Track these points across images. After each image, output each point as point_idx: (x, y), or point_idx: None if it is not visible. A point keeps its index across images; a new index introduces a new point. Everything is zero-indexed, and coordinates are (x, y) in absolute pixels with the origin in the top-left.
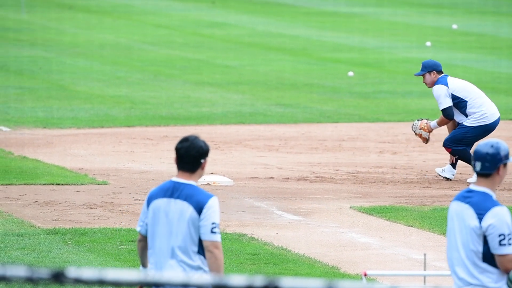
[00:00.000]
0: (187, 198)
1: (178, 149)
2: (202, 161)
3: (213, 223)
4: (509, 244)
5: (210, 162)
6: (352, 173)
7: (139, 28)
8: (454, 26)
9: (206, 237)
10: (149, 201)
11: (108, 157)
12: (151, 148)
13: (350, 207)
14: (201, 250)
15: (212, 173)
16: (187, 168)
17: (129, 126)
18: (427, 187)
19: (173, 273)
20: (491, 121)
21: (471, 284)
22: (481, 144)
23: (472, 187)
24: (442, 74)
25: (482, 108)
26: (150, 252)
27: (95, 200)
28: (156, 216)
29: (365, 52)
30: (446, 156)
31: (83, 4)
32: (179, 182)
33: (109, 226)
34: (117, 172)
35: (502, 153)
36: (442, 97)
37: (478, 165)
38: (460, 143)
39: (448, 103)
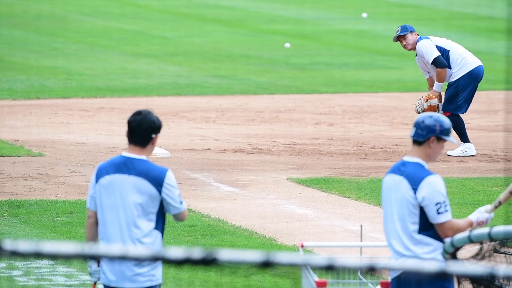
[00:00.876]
0: (141, 174)
1: (130, 122)
2: (153, 136)
3: (178, 195)
4: (446, 211)
5: None
6: (289, 144)
7: None
8: None
9: (176, 210)
10: (98, 176)
11: (44, 129)
12: (87, 120)
13: (287, 179)
14: (159, 226)
15: None
16: (138, 142)
17: (66, 97)
18: (364, 158)
19: (110, 245)
20: (474, 66)
21: (405, 255)
22: (425, 113)
23: (405, 158)
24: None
25: (463, 55)
26: (100, 228)
27: (31, 172)
28: (107, 191)
29: (302, 24)
30: (381, 127)
31: None
32: (130, 157)
33: (45, 198)
34: (53, 144)
35: (438, 127)
36: (429, 48)
37: (413, 130)
38: (456, 101)
39: (437, 52)
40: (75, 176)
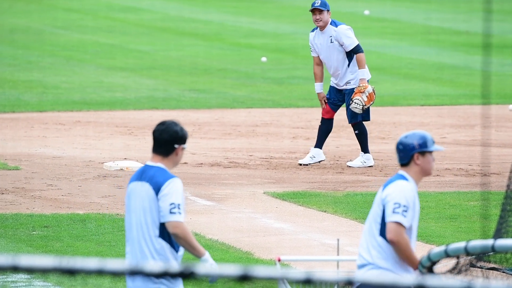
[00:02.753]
0: (149, 179)
1: (153, 132)
2: (176, 146)
3: (172, 204)
4: (404, 216)
5: (123, 147)
6: (266, 158)
7: (50, 12)
8: (366, 12)
9: (164, 218)
10: (128, 187)
11: (20, 142)
12: (63, 133)
13: (264, 193)
14: (163, 234)
15: (125, 158)
16: (160, 152)
17: (41, 111)
18: (340, 172)
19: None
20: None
21: (367, 261)
22: (402, 135)
23: (400, 172)
24: None
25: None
26: (127, 241)
27: (6, 186)
28: (128, 200)
29: (280, 38)
30: (355, 141)
31: None
32: (148, 165)
33: (21, 212)
34: (29, 157)
35: (416, 142)
36: (351, 34)
37: (397, 156)
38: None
39: (356, 39)
40: (51, 190)
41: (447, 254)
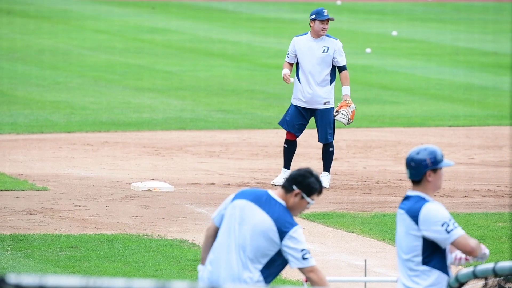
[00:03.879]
0: (273, 215)
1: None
2: (295, 188)
3: (302, 250)
4: (455, 227)
5: (150, 167)
6: None
7: (78, 33)
8: (394, 33)
9: (300, 264)
10: (236, 197)
11: (48, 163)
12: (91, 154)
13: None
14: (265, 269)
15: (152, 179)
16: (285, 188)
17: (69, 131)
18: (368, 193)
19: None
20: None
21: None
22: (411, 151)
23: (408, 192)
24: None
25: None
26: (213, 245)
27: (34, 206)
28: (233, 213)
29: None
30: (386, 162)
31: (21, 9)
32: (272, 196)
33: (48, 232)
34: (57, 178)
35: (429, 160)
36: (343, 53)
37: (407, 172)
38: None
39: None
40: (79, 210)
41: (475, 275)
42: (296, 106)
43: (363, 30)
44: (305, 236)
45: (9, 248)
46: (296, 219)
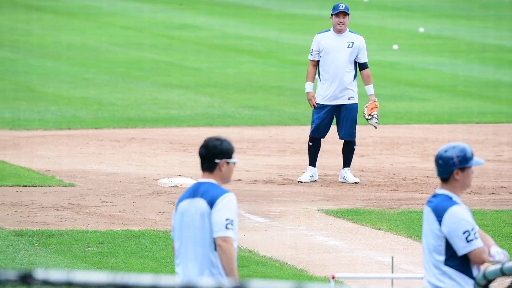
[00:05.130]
0: (202, 195)
1: (198, 150)
2: (217, 161)
3: (226, 219)
4: (476, 238)
5: (178, 164)
6: (320, 175)
7: (107, 29)
8: (421, 30)
9: (216, 233)
10: (177, 205)
11: (76, 159)
12: (118, 150)
13: (318, 210)
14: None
15: (179, 175)
16: (204, 167)
17: (97, 127)
18: (395, 190)
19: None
20: None
21: (437, 287)
22: (441, 148)
23: (437, 190)
24: None
25: None
26: (176, 259)
27: (62, 202)
28: (181, 218)
29: None
30: (413, 158)
31: (50, 6)
32: (200, 181)
33: (76, 228)
34: (85, 174)
35: (456, 159)
36: (365, 49)
37: (436, 169)
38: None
39: None
40: (106, 206)
41: (503, 273)
42: (319, 105)
43: (391, 26)
44: (330, 232)
45: (37, 244)
46: (323, 215)
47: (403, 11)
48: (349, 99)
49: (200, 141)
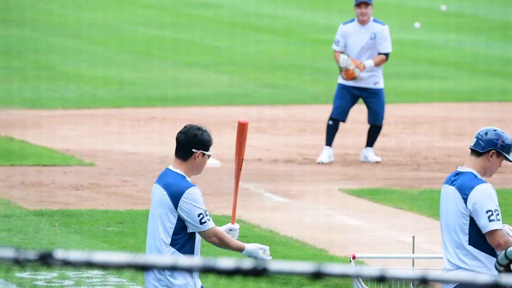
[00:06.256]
0: (165, 186)
1: (176, 135)
2: (195, 151)
3: (200, 214)
4: (498, 220)
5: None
6: (341, 155)
7: (128, 8)
8: (443, 7)
9: (195, 229)
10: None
11: (96, 138)
12: (139, 130)
13: (339, 189)
14: (176, 243)
15: None
16: (179, 155)
17: (117, 107)
18: (416, 169)
19: (160, 256)
20: None
21: (457, 267)
22: (488, 127)
23: (459, 169)
24: None
25: None
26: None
27: (82, 182)
28: (151, 200)
29: None
30: (434, 137)
31: None
32: (169, 168)
33: (96, 208)
34: (105, 154)
35: (500, 141)
36: (389, 38)
37: (474, 141)
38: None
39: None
40: (126, 186)
41: None
42: (343, 86)
43: (412, 4)
44: (351, 212)
45: (57, 224)
46: (344, 195)
47: None
48: (374, 84)
49: (220, 120)
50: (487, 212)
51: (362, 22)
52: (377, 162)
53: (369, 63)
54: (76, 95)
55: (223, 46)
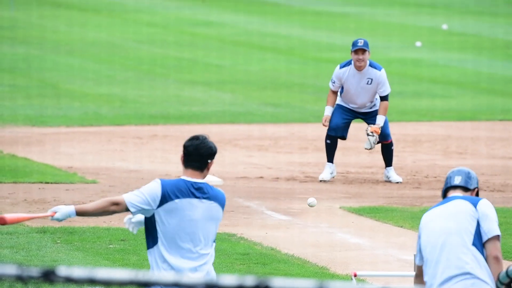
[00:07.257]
0: (215, 199)
1: (186, 147)
2: (209, 161)
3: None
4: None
5: None
6: (342, 173)
7: (133, 26)
8: (444, 27)
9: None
10: (165, 199)
11: (98, 156)
12: (141, 147)
13: (340, 207)
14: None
15: None
16: (195, 167)
17: (120, 124)
18: (417, 187)
19: (164, 273)
20: None
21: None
22: (459, 167)
23: (455, 194)
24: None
25: None
26: (168, 252)
27: (84, 199)
28: (180, 215)
29: None
30: (435, 156)
31: (77, 2)
32: (196, 182)
33: (98, 225)
34: (107, 171)
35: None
36: (387, 81)
37: (459, 178)
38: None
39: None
40: None
41: None
42: (340, 106)
43: (414, 23)
44: (352, 230)
45: (59, 241)
46: (345, 213)
47: (425, 7)
48: (371, 108)
49: (223, 138)
50: (495, 218)
51: (359, 68)
52: (398, 182)
53: (381, 119)
54: (79, 113)
55: (226, 64)
